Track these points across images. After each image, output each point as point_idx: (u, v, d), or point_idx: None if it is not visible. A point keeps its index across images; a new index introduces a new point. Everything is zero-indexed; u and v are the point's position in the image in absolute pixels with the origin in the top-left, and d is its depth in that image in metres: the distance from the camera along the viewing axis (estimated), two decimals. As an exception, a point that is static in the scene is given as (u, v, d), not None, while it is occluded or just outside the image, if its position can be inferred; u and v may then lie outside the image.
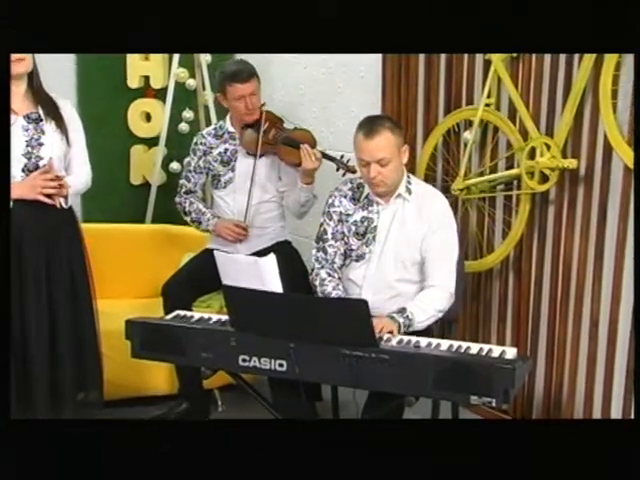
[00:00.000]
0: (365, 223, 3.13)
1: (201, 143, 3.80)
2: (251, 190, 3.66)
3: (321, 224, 3.22)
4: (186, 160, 3.89)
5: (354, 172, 3.37)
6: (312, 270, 3.21)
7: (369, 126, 2.99)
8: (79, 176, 3.20)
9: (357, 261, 3.15)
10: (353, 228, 3.15)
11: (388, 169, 3.00)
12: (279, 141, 3.66)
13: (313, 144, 3.66)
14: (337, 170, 3.57)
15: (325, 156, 3.58)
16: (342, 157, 3.55)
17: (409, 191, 3.11)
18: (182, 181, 3.87)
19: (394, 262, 3.09)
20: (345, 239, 3.17)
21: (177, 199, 3.88)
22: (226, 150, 3.76)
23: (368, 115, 3.10)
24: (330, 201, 3.22)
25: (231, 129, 3.77)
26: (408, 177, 3.14)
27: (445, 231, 3.08)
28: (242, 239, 3.71)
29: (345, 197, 3.19)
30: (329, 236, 3.19)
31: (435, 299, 3.00)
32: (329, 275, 3.15)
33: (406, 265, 3.09)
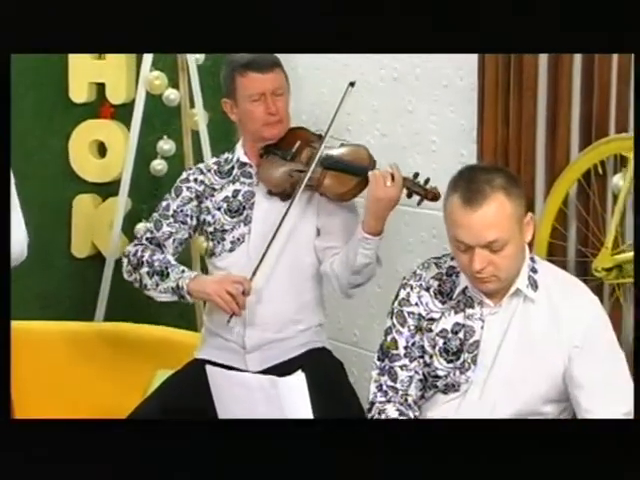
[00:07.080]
0: (460, 335, 3.13)
1: (195, 180, 3.80)
2: (269, 249, 3.60)
3: (387, 330, 3.24)
4: (163, 203, 3.83)
5: (437, 199, 3.36)
6: (371, 404, 3.21)
7: (470, 187, 2.97)
8: (12, 244, 3.31)
9: (445, 393, 3.15)
10: (440, 342, 3.15)
11: (503, 256, 2.97)
12: (318, 163, 3.64)
13: (371, 164, 3.64)
14: (409, 196, 3.54)
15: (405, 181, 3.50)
16: (417, 176, 3.51)
17: (534, 284, 3.10)
18: (148, 225, 3.83)
19: (507, 397, 3.08)
20: (426, 358, 3.17)
21: (130, 247, 3.82)
22: (236, 193, 3.77)
23: (468, 165, 3.12)
24: (403, 294, 3.22)
25: (244, 159, 3.78)
26: (532, 260, 3.14)
27: (604, 348, 3.07)
28: (238, 312, 3.59)
29: (428, 290, 3.20)
30: (400, 351, 3.20)
31: None
32: (401, 414, 3.14)
33: (527, 402, 3.07)
